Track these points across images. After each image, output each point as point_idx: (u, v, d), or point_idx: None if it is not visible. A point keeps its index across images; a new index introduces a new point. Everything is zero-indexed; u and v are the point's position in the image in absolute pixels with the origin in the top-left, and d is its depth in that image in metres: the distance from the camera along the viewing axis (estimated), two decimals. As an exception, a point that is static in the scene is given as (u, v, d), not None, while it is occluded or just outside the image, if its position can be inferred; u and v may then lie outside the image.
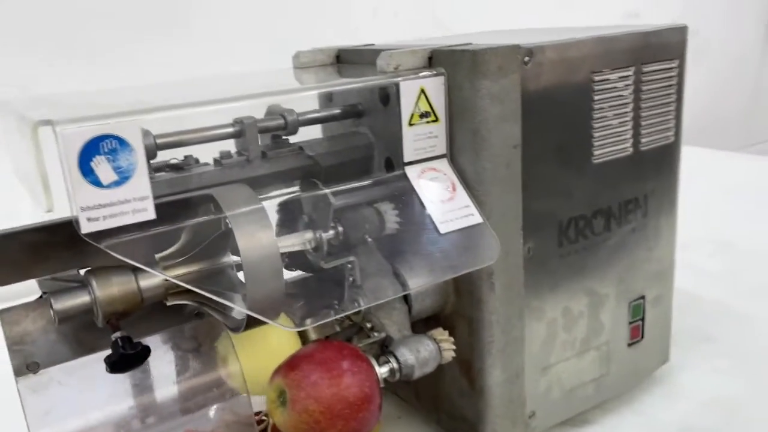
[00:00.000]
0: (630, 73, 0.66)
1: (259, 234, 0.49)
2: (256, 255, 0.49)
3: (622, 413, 0.75)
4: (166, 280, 0.50)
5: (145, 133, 0.50)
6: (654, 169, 0.71)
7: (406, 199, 0.58)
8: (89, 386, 0.53)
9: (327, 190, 0.55)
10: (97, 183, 0.43)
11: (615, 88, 0.65)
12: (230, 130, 0.58)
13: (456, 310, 0.64)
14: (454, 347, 0.60)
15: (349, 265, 0.58)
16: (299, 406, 0.52)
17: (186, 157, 0.56)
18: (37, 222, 0.50)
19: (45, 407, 0.50)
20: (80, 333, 0.53)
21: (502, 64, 0.56)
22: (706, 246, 1.20)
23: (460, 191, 0.58)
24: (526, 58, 0.58)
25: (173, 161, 0.56)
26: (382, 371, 0.56)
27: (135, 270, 0.49)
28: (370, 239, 0.59)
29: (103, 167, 0.42)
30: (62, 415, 0.52)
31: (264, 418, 0.75)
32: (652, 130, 0.70)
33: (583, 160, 0.65)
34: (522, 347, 0.65)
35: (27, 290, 0.54)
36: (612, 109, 0.66)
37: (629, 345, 0.74)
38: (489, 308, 0.61)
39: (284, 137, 0.62)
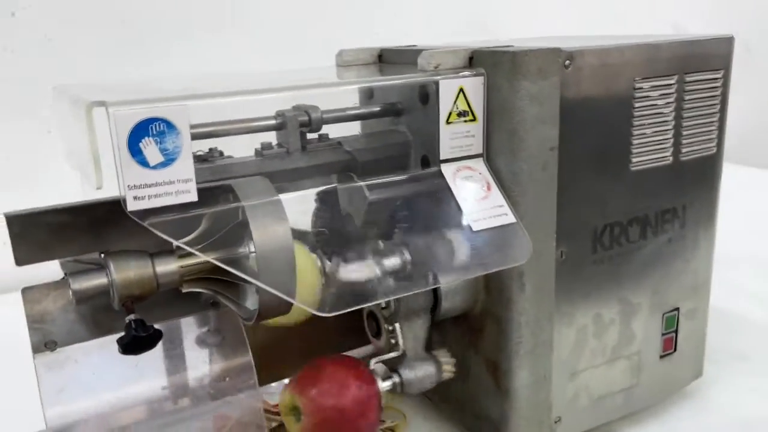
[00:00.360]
0: (672, 81, 0.66)
1: (274, 226, 0.50)
2: (270, 247, 0.49)
3: (650, 426, 0.74)
4: (182, 267, 0.51)
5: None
6: (694, 180, 0.71)
7: (441, 196, 0.58)
8: (104, 367, 0.55)
9: (362, 183, 0.56)
10: (144, 163, 0.45)
11: (656, 96, 0.65)
12: (272, 122, 0.60)
13: (486, 309, 0.64)
14: (453, 368, 0.63)
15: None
16: (310, 422, 0.58)
17: (210, 149, 0.58)
18: (59, 204, 0.52)
19: (60, 385, 0.52)
20: (98, 315, 0.55)
21: (542, 66, 0.57)
22: (750, 265, 1.18)
23: (495, 191, 0.59)
24: (567, 62, 0.58)
25: (198, 152, 0.57)
26: (384, 385, 0.58)
27: (152, 255, 0.51)
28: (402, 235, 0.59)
29: (150, 149, 0.44)
30: (76, 394, 0.53)
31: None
32: (693, 140, 0.69)
33: (621, 167, 0.65)
34: (550, 351, 0.65)
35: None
36: (652, 117, 0.65)
37: (661, 357, 0.74)
38: (518, 309, 0.61)
39: (316, 133, 0.63)
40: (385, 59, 0.72)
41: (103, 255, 0.51)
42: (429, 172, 0.60)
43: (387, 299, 0.59)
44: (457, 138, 0.58)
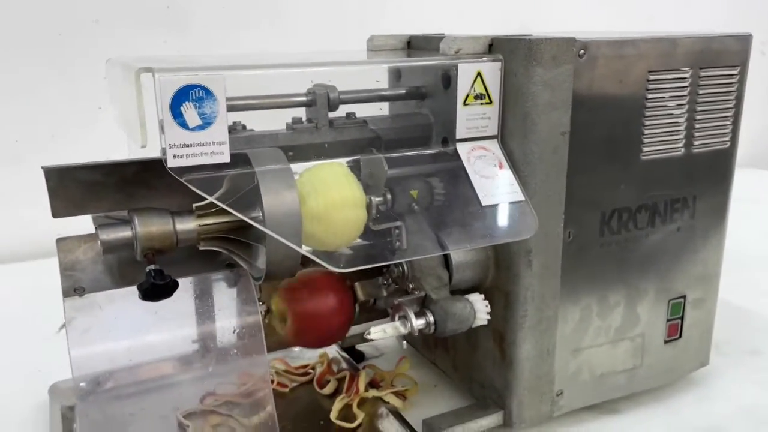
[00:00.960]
0: (687, 75, 0.68)
1: (284, 193, 0.55)
2: (278, 212, 0.54)
3: (653, 408, 0.77)
4: (200, 225, 0.56)
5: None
6: (706, 172, 0.73)
7: (455, 172, 0.62)
8: (125, 314, 0.60)
9: (382, 155, 0.60)
10: (184, 125, 0.50)
11: (670, 88, 0.68)
12: (303, 98, 0.64)
13: (495, 284, 0.68)
14: (488, 310, 0.64)
15: (396, 230, 0.64)
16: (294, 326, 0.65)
17: (234, 122, 0.62)
18: (91, 161, 0.58)
19: (85, 326, 0.57)
20: (123, 267, 0.61)
21: (557, 54, 0.60)
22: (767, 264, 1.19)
23: (506, 170, 0.62)
24: (581, 51, 0.62)
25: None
26: (418, 323, 0.61)
27: (173, 214, 0.56)
28: (417, 207, 0.64)
29: (190, 112, 0.50)
30: (99, 336, 0.59)
31: (310, 371, 0.82)
32: (706, 133, 0.72)
33: (631, 156, 0.68)
34: (555, 327, 0.68)
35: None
36: (665, 109, 0.68)
37: (666, 342, 0.76)
38: (525, 284, 0.65)
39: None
40: (414, 45, 0.77)
41: (128, 212, 0.56)
42: (445, 151, 0.64)
43: (399, 260, 0.63)
44: (473, 119, 0.62)
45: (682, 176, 0.71)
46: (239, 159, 0.55)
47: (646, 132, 0.68)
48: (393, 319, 0.63)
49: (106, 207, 0.59)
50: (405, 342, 0.67)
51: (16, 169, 1.29)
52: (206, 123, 0.50)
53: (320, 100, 0.64)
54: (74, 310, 0.56)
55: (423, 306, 0.64)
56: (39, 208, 1.25)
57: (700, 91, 0.70)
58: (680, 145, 0.70)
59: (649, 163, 0.69)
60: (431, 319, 0.62)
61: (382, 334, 0.60)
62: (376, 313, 0.75)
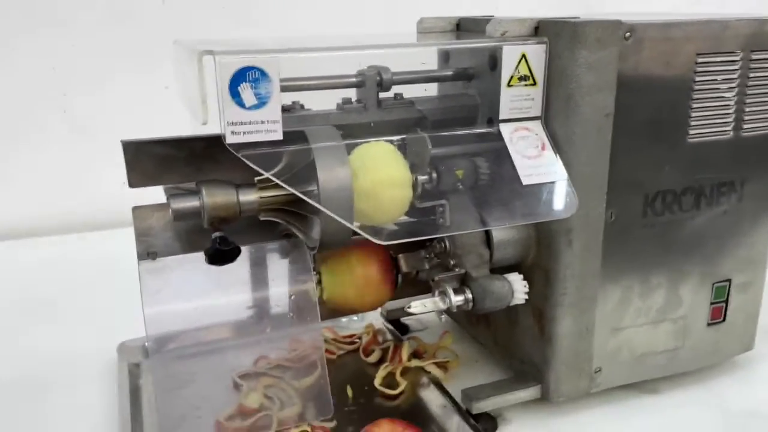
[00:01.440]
0: (737, 58, 0.68)
1: (338, 169, 0.58)
2: (332, 187, 0.58)
3: (693, 390, 0.78)
4: (261, 197, 0.60)
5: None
6: (756, 156, 0.73)
7: (498, 152, 0.64)
8: (193, 277, 0.65)
9: (425, 134, 0.63)
10: (241, 104, 0.54)
11: (719, 71, 0.68)
12: (353, 80, 0.67)
13: (536, 262, 0.70)
14: (527, 290, 0.66)
15: (440, 208, 0.67)
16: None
17: (293, 102, 0.66)
18: (164, 136, 0.62)
19: (157, 287, 0.63)
20: (192, 235, 0.66)
21: (601, 36, 0.61)
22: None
23: (549, 151, 0.64)
24: (627, 34, 0.62)
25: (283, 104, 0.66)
26: (456, 300, 0.64)
27: (237, 186, 0.60)
28: (461, 186, 0.66)
29: (247, 92, 0.53)
30: (169, 295, 0.64)
31: (356, 340, 0.86)
32: (756, 117, 0.71)
33: (677, 138, 0.68)
34: (594, 305, 0.70)
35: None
36: (714, 92, 0.68)
37: (709, 324, 0.77)
38: (565, 262, 0.67)
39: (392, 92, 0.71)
40: (462, 27, 0.78)
41: (197, 183, 0.61)
42: (489, 131, 0.66)
43: (439, 236, 0.66)
44: (516, 100, 0.64)
45: (730, 160, 0.71)
46: (297, 136, 0.59)
47: (694, 115, 0.68)
48: (433, 295, 0.66)
49: (176, 179, 0.64)
50: (443, 316, 0.69)
51: (87, 145, 1.38)
52: (261, 102, 0.54)
53: (369, 81, 0.67)
54: (147, 273, 0.62)
55: (462, 283, 0.67)
56: (108, 180, 1.33)
57: (751, 75, 0.69)
58: (729, 128, 0.70)
59: (696, 145, 0.69)
60: (469, 296, 0.65)
61: (422, 308, 0.63)
62: (420, 287, 0.78)
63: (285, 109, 0.63)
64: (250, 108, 0.54)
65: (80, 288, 1.08)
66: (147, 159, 0.62)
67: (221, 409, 0.71)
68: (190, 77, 0.56)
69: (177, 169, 0.63)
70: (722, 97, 0.69)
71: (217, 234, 0.58)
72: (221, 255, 0.58)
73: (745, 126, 0.71)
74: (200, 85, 0.54)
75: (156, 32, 1.34)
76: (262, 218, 0.63)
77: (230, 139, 0.54)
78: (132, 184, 0.62)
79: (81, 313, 0.99)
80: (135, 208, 0.65)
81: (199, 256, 0.60)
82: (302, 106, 0.65)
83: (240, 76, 0.53)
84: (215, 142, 0.60)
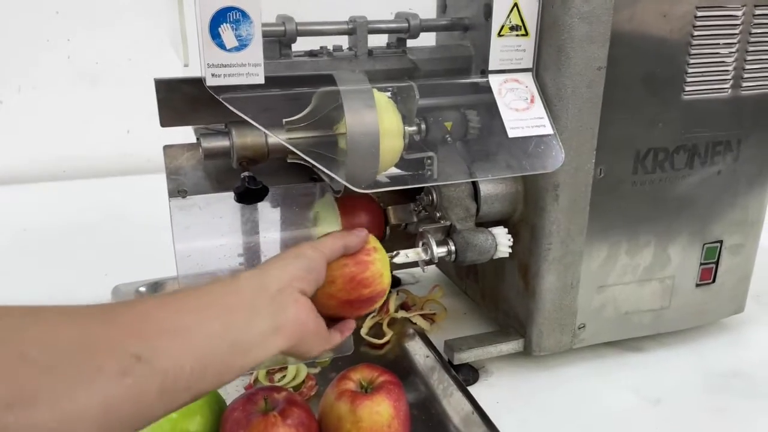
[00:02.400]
0: (739, 13, 0.66)
1: (364, 112, 0.58)
2: (359, 130, 0.58)
3: (678, 350, 0.78)
4: (289, 139, 0.60)
5: (288, 19, 0.61)
6: (754, 116, 0.71)
7: (486, 104, 0.64)
8: (220, 215, 0.67)
9: (413, 83, 0.62)
10: (221, 46, 0.53)
11: (719, 25, 0.66)
12: (344, 27, 0.66)
13: (523, 217, 0.70)
14: (510, 243, 0.66)
15: (428, 160, 0.66)
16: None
17: (321, 47, 0.66)
18: (195, 75, 0.62)
19: (187, 223, 0.64)
20: (220, 174, 0.66)
21: (596, -14, 0.59)
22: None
23: (538, 104, 0.63)
24: (623, -16, 0.61)
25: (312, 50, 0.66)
26: (439, 251, 0.64)
27: (267, 127, 0.59)
28: (450, 139, 0.65)
29: (227, 33, 0.53)
30: (198, 232, 0.66)
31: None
32: (757, 75, 0.69)
33: (673, 94, 0.67)
34: (580, 261, 0.69)
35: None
36: (713, 47, 0.66)
37: (697, 285, 0.76)
38: (551, 218, 0.66)
39: (406, 39, 0.70)
40: (461, -23, 0.76)
41: (226, 124, 0.61)
42: (479, 81, 0.65)
43: (429, 184, 0.67)
44: (507, 51, 0.63)
45: (726, 118, 0.70)
46: (325, 79, 0.60)
47: (690, 71, 0.66)
48: (417, 246, 0.66)
49: (207, 119, 0.64)
50: (425, 268, 0.68)
51: (91, 92, 1.38)
52: (242, 45, 0.54)
53: (360, 28, 0.66)
54: (177, 209, 0.63)
55: (447, 235, 0.67)
56: (111, 127, 1.32)
57: (753, 31, 0.67)
58: (727, 86, 0.68)
59: (691, 102, 0.67)
60: (452, 247, 0.65)
61: (404, 258, 0.62)
62: (410, 240, 0.78)
63: (312, 54, 0.63)
64: (230, 50, 0.53)
65: (80, 233, 1.09)
66: (178, 98, 0.61)
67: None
68: (173, 18, 0.55)
69: (207, 109, 0.62)
70: (721, 53, 0.67)
71: (245, 173, 0.59)
72: (250, 194, 0.59)
73: (744, 84, 0.69)
74: (181, 26, 0.53)
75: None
76: (289, 161, 0.63)
77: (211, 82, 0.54)
78: (163, 123, 0.61)
79: (78, 257, 1.00)
80: (166, 147, 0.65)
81: (228, 195, 0.62)
82: (330, 52, 0.64)
83: (220, 17, 0.52)
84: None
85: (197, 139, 0.63)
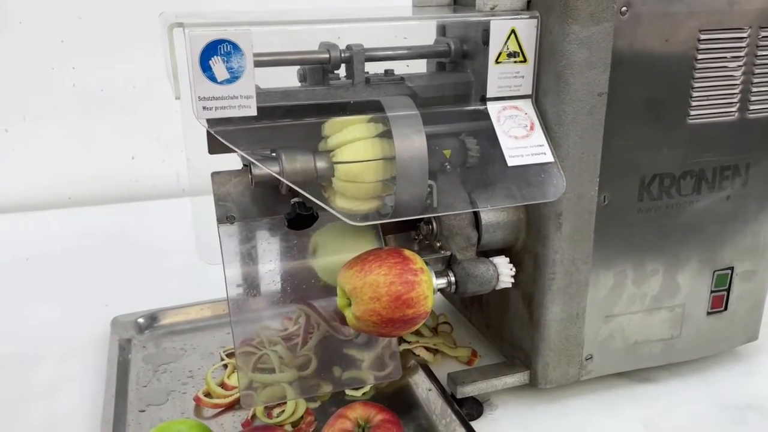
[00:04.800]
0: (744, 35, 0.64)
1: (413, 137, 0.58)
2: (408, 155, 0.58)
3: (690, 381, 0.75)
4: (335, 163, 0.60)
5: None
6: (762, 139, 0.69)
7: (485, 132, 0.62)
8: (268, 240, 0.67)
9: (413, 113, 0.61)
10: (213, 79, 0.52)
11: (724, 48, 0.64)
12: (338, 54, 0.65)
13: (526, 246, 0.68)
14: (513, 273, 0.64)
15: (428, 189, 0.65)
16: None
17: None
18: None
19: (236, 249, 0.65)
20: (267, 200, 0.66)
21: (594, 11, 0.58)
22: None
23: (538, 131, 0.62)
24: (623, 8, 0.59)
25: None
26: (438, 282, 0.62)
27: (314, 152, 0.60)
28: (449, 167, 0.64)
29: (218, 66, 0.52)
30: (247, 258, 0.66)
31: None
32: (764, 97, 0.67)
33: (677, 118, 0.65)
34: (585, 291, 0.67)
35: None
36: (718, 70, 0.65)
37: (709, 313, 0.74)
38: (554, 247, 0.65)
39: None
40: (459, 2, 0.76)
41: (275, 150, 0.60)
42: (478, 109, 0.64)
43: (429, 215, 0.65)
44: (505, 77, 0.61)
45: (734, 142, 0.68)
46: (373, 105, 0.61)
47: (695, 95, 0.65)
48: (417, 276, 0.64)
49: (254, 145, 0.63)
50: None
51: (96, 119, 1.38)
52: (234, 77, 0.53)
53: (356, 56, 0.65)
54: (227, 235, 0.62)
55: (447, 266, 0.65)
56: (116, 154, 1.32)
57: (759, 52, 0.65)
58: (734, 109, 0.67)
59: (697, 127, 0.66)
60: (452, 279, 0.63)
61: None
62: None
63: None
64: (222, 83, 0.53)
65: (82, 261, 1.08)
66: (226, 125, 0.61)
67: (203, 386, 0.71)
68: (165, 50, 0.55)
69: (255, 135, 0.61)
70: (727, 76, 0.65)
71: (296, 199, 0.59)
72: (301, 220, 0.60)
73: (752, 107, 0.67)
74: (172, 59, 0.52)
75: (164, 5, 1.33)
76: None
77: (201, 115, 0.53)
78: (212, 151, 0.60)
79: (80, 286, 1.00)
80: (214, 174, 0.65)
81: (276, 221, 0.63)
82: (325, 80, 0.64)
83: (211, 50, 0.52)
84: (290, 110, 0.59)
85: (244, 165, 0.63)
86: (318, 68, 0.64)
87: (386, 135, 0.59)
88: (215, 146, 0.61)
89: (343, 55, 0.65)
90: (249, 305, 0.69)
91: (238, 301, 0.68)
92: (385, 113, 0.59)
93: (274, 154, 0.60)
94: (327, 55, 0.62)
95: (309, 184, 0.60)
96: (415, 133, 0.59)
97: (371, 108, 0.61)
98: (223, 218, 0.64)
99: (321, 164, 0.60)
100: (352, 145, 0.59)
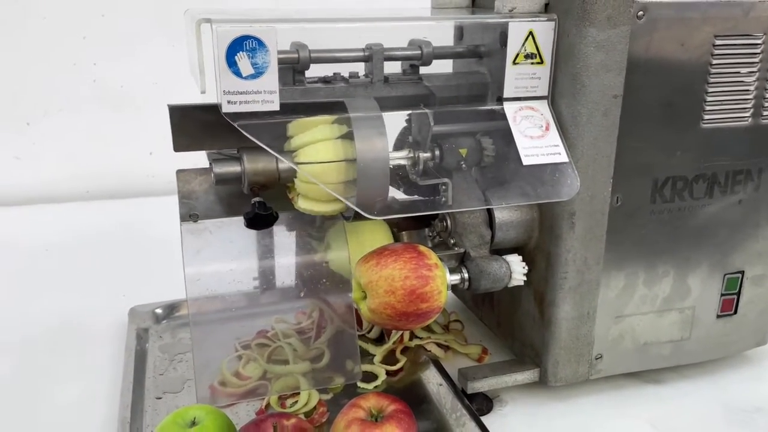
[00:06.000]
0: (759, 41, 0.65)
1: (375, 139, 0.58)
2: (369, 157, 0.58)
3: (699, 383, 0.76)
4: (298, 164, 0.60)
5: (302, 47, 0.61)
6: (775, 145, 0.70)
7: (501, 131, 0.63)
8: (231, 239, 0.67)
9: (428, 111, 0.62)
10: (238, 74, 0.54)
11: (739, 54, 0.65)
12: (360, 54, 0.67)
13: (538, 245, 0.69)
14: (525, 271, 0.65)
15: (443, 186, 0.66)
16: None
17: (335, 73, 0.66)
18: (210, 102, 0.63)
19: (197, 247, 0.65)
20: (232, 199, 0.67)
21: (612, 14, 0.59)
22: None
23: (553, 132, 0.63)
24: (640, 13, 0.60)
25: (325, 76, 0.66)
26: (451, 279, 0.64)
27: (278, 153, 0.60)
28: (465, 165, 0.65)
29: (243, 62, 0.54)
30: (209, 256, 0.66)
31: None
32: (778, 103, 0.68)
33: (691, 123, 0.66)
34: (596, 291, 0.68)
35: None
36: (732, 75, 0.65)
37: (719, 316, 0.75)
38: (566, 246, 0.66)
39: (419, 66, 0.70)
40: (477, 4, 0.77)
41: (238, 149, 0.62)
42: (494, 109, 0.65)
43: (443, 211, 0.66)
44: (522, 78, 0.63)
45: (747, 147, 0.69)
46: (337, 106, 0.61)
47: (709, 99, 0.65)
48: (431, 272, 0.66)
49: (220, 145, 0.65)
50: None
51: (116, 114, 1.40)
52: (258, 72, 0.54)
53: (376, 55, 0.67)
54: (189, 233, 0.64)
55: (461, 262, 0.66)
56: (135, 150, 1.34)
57: (774, 59, 0.66)
58: (747, 114, 0.67)
59: (711, 131, 0.67)
60: (465, 275, 0.64)
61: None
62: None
63: (325, 81, 0.64)
64: (246, 77, 0.54)
65: (101, 253, 1.10)
66: (192, 124, 0.62)
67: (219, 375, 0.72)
68: (191, 46, 0.56)
69: (220, 135, 0.63)
70: (741, 82, 0.66)
71: (256, 199, 0.60)
72: (259, 219, 0.60)
73: (765, 113, 0.68)
74: (198, 54, 0.54)
75: (185, 3, 1.35)
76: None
77: (226, 108, 0.55)
78: (177, 148, 0.62)
79: (98, 277, 1.02)
80: (179, 172, 0.67)
81: (239, 220, 0.62)
82: (344, 78, 0.65)
83: (237, 45, 0.53)
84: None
85: (210, 164, 0.63)
86: (288, 68, 0.63)
87: (349, 136, 0.60)
88: (180, 144, 0.63)
89: (363, 53, 0.66)
90: (209, 304, 0.70)
91: (198, 300, 0.68)
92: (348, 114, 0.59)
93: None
94: (350, 54, 0.64)
95: (272, 185, 0.62)
96: (377, 135, 0.59)
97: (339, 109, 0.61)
98: (186, 216, 0.64)
99: (284, 165, 0.61)
100: (315, 146, 0.60)
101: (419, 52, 0.68)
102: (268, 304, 0.78)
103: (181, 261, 1.07)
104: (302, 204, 0.62)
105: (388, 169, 0.59)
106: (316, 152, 0.59)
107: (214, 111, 0.63)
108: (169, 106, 0.62)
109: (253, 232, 0.65)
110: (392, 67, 0.69)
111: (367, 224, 0.70)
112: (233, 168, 0.62)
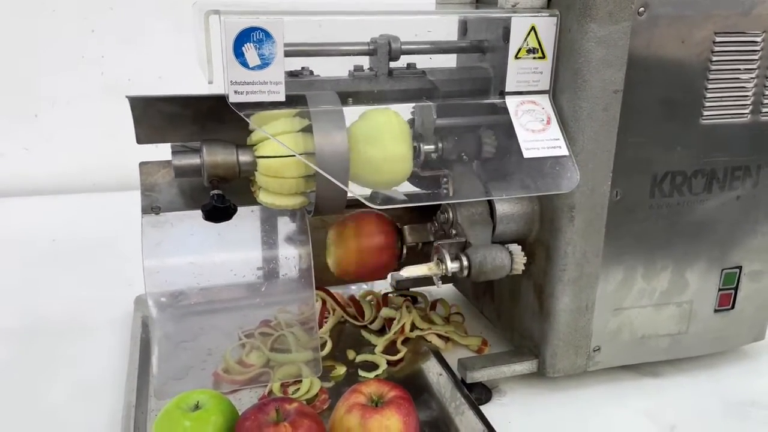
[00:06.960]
0: (759, 39, 0.66)
1: (334, 133, 0.59)
2: (328, 150, 0.59)
3: (696, 376, 0.77)
4: (258, 157, 0.61)
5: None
6: (774, 141, 0.71)
7: (503, 125, 0.64)
8: (192, 233, 0.68)
9: (432, 104, 0.63)
10: (245, 64, 0.55)
11: (739, 51, 0.66)
12: (365, 47, 0.68)
13: (538, 238, 0.70)
14: (524, 261, 0.66)
15: (445, 178, 0.67)
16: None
17: (302, 67, 0.66)
18: (170, 93, 0.63)
19: (158, 240, 0.65)
20: (195, 193, 0.68)
21: (613, 11, 0.60)
22: None
23: (554, 125, 0.64)
24: (641, 9, 0.61)
25: (292, 70, 0.67)
26: (452, 266, 0.65)
27: (238, 147, 0.61)
28: (466, 157, 0.66)
29: (251, 53, 0.55)
30: (169, 249, 0.66)
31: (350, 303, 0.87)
32: (778, 100, 0.69)
33: (691, 118, 0.67)
34: (595, 283, 0.69)
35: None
36: (732, 72, 0.66)
37: (716, 311, 0.75)
38: (566, 239, 0.67)
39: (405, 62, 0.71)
40: (482, 0, 0.78)
41: (200, 142, 0.62)
42: (496, 102, 0.66)
43: (444, 201, 0.68)
44: (524, 73, 0.64)
45: (746, 143, 0.70)
46: (298, 100, 0.60)
47: (709, 96, 0.66)
48: (431, 260, 0.67)
49: (182, 137, 0.66)
50: (440, 284, 0.69)
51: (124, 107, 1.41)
52: (265, 63, 0.55)
53: (381, 49, 0.68)
54: (150, 225, 0.64)
55: (461, 251, 0.67)
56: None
57: (774, 56, 0.67)
58: (746, 111, 0.68)
59: (710, 127, 0.67)
60: (466, 263, 0.65)
61: (413, 272, 0.63)
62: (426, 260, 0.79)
63: (293, 74, 0.65)
64: (253, 68, 0.55)
65: (107, 244, 1.12)
66: (154, 115, 0.63)
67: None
68: (199, 37, 0.58)
69: (183, 126, 0.64)
70: (740, 79, 0.67)
71: (214, 192, 0.60)
72: (217, 212, 0.59)
73: (765, 110, 0.69)
74: (207, 45, 0.55)
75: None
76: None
77: (233, 98, 0.56)
78: (140, 141, 0.64)
79: (104, 266, 1.03)
80: (142, 164, 0.67)
81: (200, 213, 0.62)
82: (311, 72, 0.66)
83: (244, 37, 0.54)
84: (221, 101, 0.62)
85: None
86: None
87: (309, 130, 0.60)
88: (143, 136, 0.63)
89: (368, 47, 0.68)
90: (175, 303, 0.71)
91: (155, 293, 0.69)
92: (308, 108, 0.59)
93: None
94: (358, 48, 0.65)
95: (232, 178, 0.61)
96: (336, 129, 0.59)
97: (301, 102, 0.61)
98: (148, 209, 0.64)
99: (244, 158, 0.61)
100: (274, 140, 0.60)
101: (427, 47, 0.69)
102: (271, 295, 0.80)
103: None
104: (263, 197, 0.62)
105: (348, 163, 0.60)
106: (276, 146, 0.59)
107: (177, 102, 0.64)
108: (128, 97, 0.63)
109: (215, 225, 0.65)
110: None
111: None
112: (193, 160, 0.62)
